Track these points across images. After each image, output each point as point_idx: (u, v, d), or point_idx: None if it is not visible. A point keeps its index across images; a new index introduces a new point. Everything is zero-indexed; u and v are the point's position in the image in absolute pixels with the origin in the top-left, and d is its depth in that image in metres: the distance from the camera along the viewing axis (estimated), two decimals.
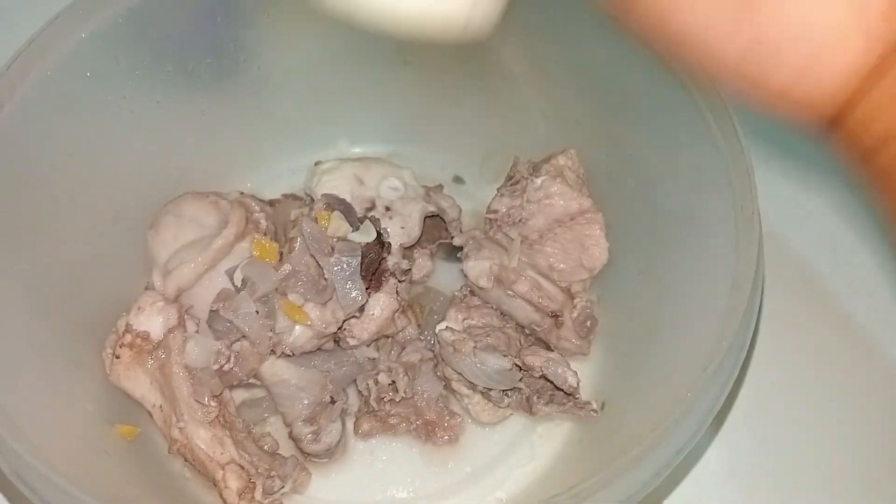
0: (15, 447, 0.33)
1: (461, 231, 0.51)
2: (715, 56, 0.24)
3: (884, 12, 0.21)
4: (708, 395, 0.33)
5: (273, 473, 0.43)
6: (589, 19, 0.45)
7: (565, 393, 0.43)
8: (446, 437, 0.46)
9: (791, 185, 0.56)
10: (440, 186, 0.54)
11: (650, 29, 0.26)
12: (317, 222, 0.46)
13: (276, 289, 0.45)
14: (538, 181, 0.47)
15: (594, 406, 0.44)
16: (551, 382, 0.43)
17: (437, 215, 0.51)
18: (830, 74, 0.22)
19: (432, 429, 0.46)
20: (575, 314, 0.45)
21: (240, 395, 0.48)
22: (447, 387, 0.47)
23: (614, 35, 0.44)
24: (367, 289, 0.45)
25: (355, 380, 0.47)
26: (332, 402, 0.46)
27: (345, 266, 0.45)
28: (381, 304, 0.46)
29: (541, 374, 0.43)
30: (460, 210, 0.52)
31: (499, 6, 0.30)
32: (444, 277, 0.52)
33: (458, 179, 0.58)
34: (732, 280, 0.36)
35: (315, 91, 0.54)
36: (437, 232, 0.52)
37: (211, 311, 0.45)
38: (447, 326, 0.46)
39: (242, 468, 0.43)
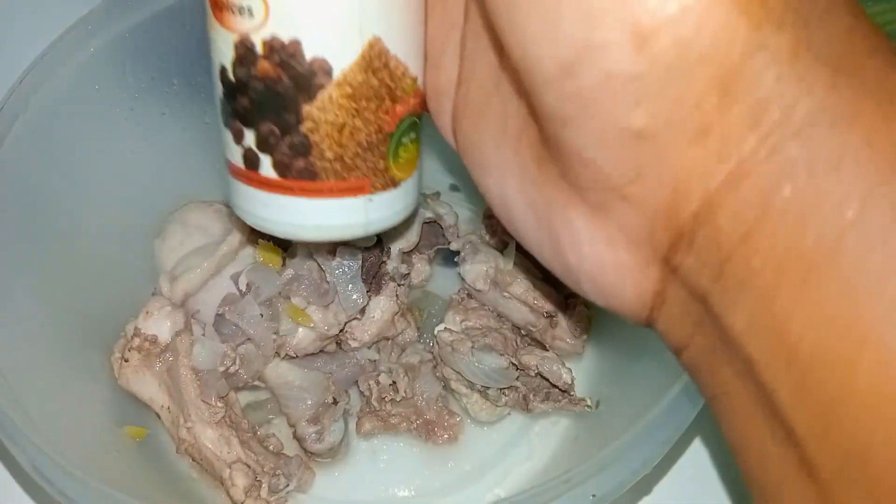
0: (35, 441, 0.35)
1: (458, 236, 0.53)
2: (545, 264, 0.28)
3: (654, 245, 0.24)
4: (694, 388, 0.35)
5: (278, 472, 0.45)
6: None
7: (560, 390, 0.44)
8: (446, 436, 0.48)
9: None
10: (437, 194, 0.56)
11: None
12: None
13: (280, 292, 0.46)
14: None
15: (588, 402, 0.45)
16: (547, 380, 0.44)
17: (435, 221, 0.53)
18: (626, 302, 0.26)
19: (432, 428, 0.48)
20: (569, 315, 0.47)
21: (245, 398, 0.49)
22: (446, 387, 0.48)
23: None
24: (367, 291, 0.47)
25: (357, 381, 0.49)
26: (335, 402, 0.47)
27: (346, 269, 0.46)
28: (381, 307, 0.47)
29: (537, 371, 0.45)
30: (457, 216, 0.54)
31: (398, 201, 0.34)
32: (442, 282, 0.54)
33: (454, 188, 0.59)
34: None
35: None
36: (434, 237, 0.54)
37: (217, 314, 0.46)
38: (445, 328, 0.47)
39: (248, 467, 0.44)
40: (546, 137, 0.25)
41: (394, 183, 0.33)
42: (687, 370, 0.27)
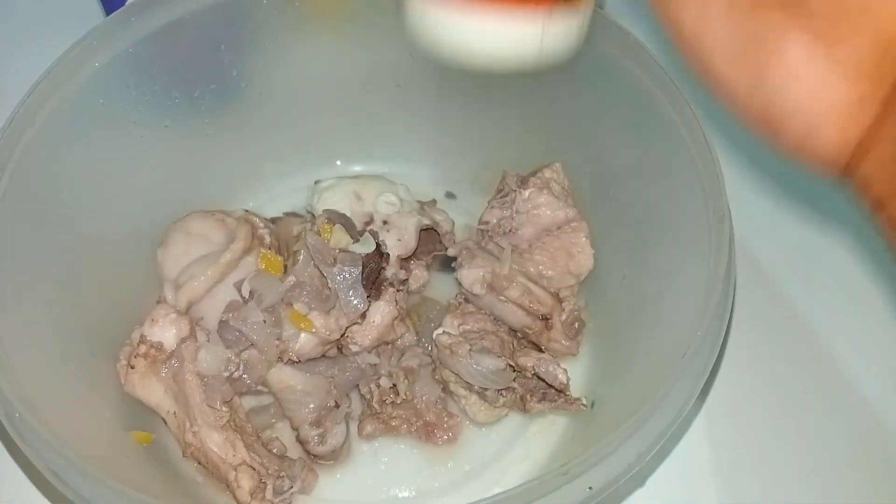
0: (52, 442, 0.36)
1: (454, 242, 0.54)
2: (736, 104, 0.27)
3: (873, 78, 0.23)
4: (686, 379, 0.36)
5: (282, 474, 0.46)
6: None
7: (556, 390, 0.46)
8: (445, 437, 0.49)
9: (761, 198, 0.59)
10: (434, 201, 0.57)
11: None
12: (320, 235, 0.49)
13: (282, 299, 0.47)
14: (526, 193, 0.50)
15: (584, 401, 0.46)
16: (543, 380, 0.46)
17: (432, 228, 0.54)
18: (829, 143, 0.24)
19: (432, 429, 0.49)
20: (563, 317, 0.48)
21: (248, 403, 0.50)
22: (445, 389, 0.49)
23: (593, 54, 0.48)
24: (367, 297, 0.48)
25: (358, 384, 0.50)
26: (337, 405, 0.48)
27: (347, 275, 0.47)
28: (381, 312, 0.49)
29: (533, 373, 0.46)
30: (453, 223, 0.55)
31: (571, 34, 0.32)
32: (440, 287, 0.55)
33: (450, 195, 0.61)
34: (706, 280, 0.39)
35: (313, 114, 0.57)
36: (431, 244, 0.55)
37: (221, 321, 0.47)
38: (444, 331, 0.48)
39: (254, 469, 0.45)
40: None
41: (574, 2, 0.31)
42: (886, 230, 0.24)
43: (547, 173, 0.51)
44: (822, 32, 0.23)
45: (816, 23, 0.23)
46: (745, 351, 0.52)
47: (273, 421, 0.50)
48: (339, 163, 0.60)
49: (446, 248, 0.54)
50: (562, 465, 0.34)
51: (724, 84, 0.27)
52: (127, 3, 0.53)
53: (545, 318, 0.48)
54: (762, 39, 0.25)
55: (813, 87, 0.24)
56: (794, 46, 0.24)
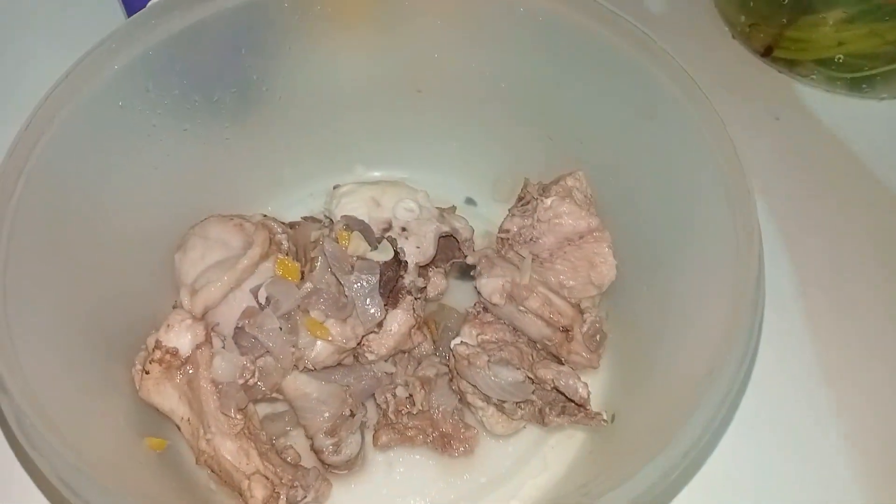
0: (62, 451, 0.35)
1: (474, 250, 0.53)
2: None
3: None
4: (711, 399, 0.35)
5: (296, 483, 0.45)
6: (599, 48, 0.48)
7: (576, 404, 0.45)
8: (462, 449, 0.48)
9: (791, 206, 0.58)
10: (453, 208, 0.56)
11: None
12: (337, 242, 0.48)
13: (299, 306, 0.47)
14: (548, 201, 0.49)
15: (604, 416, 0.45)
16: (563, 394, 0.45)
17: (451, 235, 0.53)
18: None
19: (448, 441, 0.48)
20: (585, 329, 0.47)
21: (263, 410, 0.50)
22: (462, 400, 0.48)
23: (620, 62, 0.48)
24: (384, 305, 0.47)
25: (374, 393, 0.49)
26: (352, 415, 0.47)
27: (364, 283, 0.47)
28: (398, 320, 0.48)
29: (552, 386, 0.45)
30: (473, 230, 0.54)
31: None
32: (458, 295, 0.54)
33: (469, 201, 0.60)
34: (734, 293, 0.37)
35: (333, 118, 0.57)
36: (450, 251, 0.54)
37: (236, 327, 0.47)
38: (462, 341, 0.48)
39: (267, 478, 0.44)
40: None
41: None
42: None
43: (569, 181, 0.50)
44: None
45: None
46: (773, 367, 0.50)
47: (288, 429, 0.49)
48: (358, 168, 0.60)
49: (465, 256, 0.53)
50: (581, 485, 0.33)
51: None
52: (148, 6, 0.53)
53: (566, 330, 0.47)
54: None
55: None
56: None
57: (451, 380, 0.49)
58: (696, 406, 0.34)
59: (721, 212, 0.41)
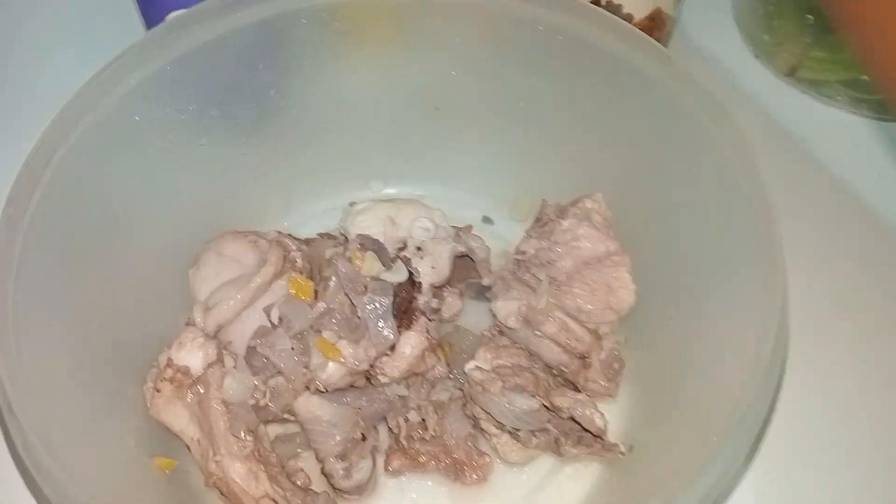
0: (61, 478, 0.35)
1: (490, 271, 0.52)
2: None
3: None
4: (734, 440, 0.34)
5: None
6: (620, 68, 0.47)
7: (593, 434, 0.44)
8: (475, 476, 0.47)
9: (816, 231, 0.57)
10: (469, 227, 0.55)
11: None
12: (351, 262, 0.47)
13: (311, 326, 0.46)
14: (565, 223, 0.48)
15: (622, 448, 0.44)
16: (579, 424, 0.44)
17: (467, 255, 0.53)
18: None
19: (461, 467, 0.47)
20: (602, 356, 0.46)
21: (274, 431, 0.49)
22: (476, 426, 0.48)
23: (642, 83, 0.47)
24: (398, 327, 0.47)
25: (386, 417, 0.48)
26: (364, 438, 0.47)
27: (377, 305, 0.46)
28: (411, 343, 0.47)
29: (569, 415, 0.44)
30: (489, 250, 0.53)
31: None
32: (474, 317, 0.53)
33: (487, 220, 0.59)
34: (758, 325, 0.36)
35: (349, 134, 0.56)
36: (466, 272, 0.54)
37: (248, 347, 0.46)
38: (476, 366, 0.47)
39: (276, 502, 0.44)
40: None
41: None
42: None
43: (588, 203, 0.49)
44: None
45: None
46: (799, 396, 0.49)
47: (299, 451, 0.49)
48: (375, 184, 0.59)
49: (481, 277, 0.52)
50: None
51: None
52: (167, 19, 0.52)
53: (583, 357, 0.46)
54: None
55: None
56: None
57: (464, 405, 0.48)
58: (721, 444, 0.33)
59: (746, 239, 0.40)
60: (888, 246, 0.58)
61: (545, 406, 0.44)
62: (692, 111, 0.44)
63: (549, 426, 0.45)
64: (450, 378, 0.50)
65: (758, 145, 0.42)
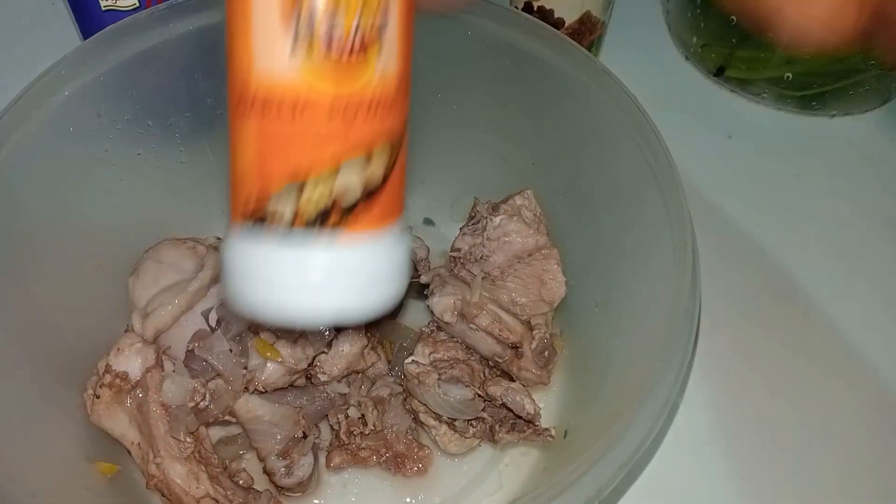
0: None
1: (429, 269, 0.54)
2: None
3: None
4: (646, 411, 0.35)
5: None
6: (546, 71, 0.49)
7: (525, 420, 0.45)
8: (416, 469, 0.48)
9: (744, 220, 0.59)
10: (409, 228, 0.57)
11: None
12: None
13: (249, 328, 0.47)
14: (497, 220, 0.50)
15: (552, 432, 0.45)
16: (511, 410, 0.45)
17: None
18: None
19: (402, 461, 0.48)
20: (534, 345, 0.48)
21: (217, 433, 0.50)
22: (416, 419, 0.49)
23: (566, 83, 0.48)
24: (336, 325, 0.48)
25: (327, 415, 0.49)
26: (305, 436, 0.47)
27: None
28: (349, 341, 0.48)
29: (501, 402, 0.45)
30: (428, 250, 0.55)
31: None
32: (415, 314, 0.55)
33: (428, 221, 0.60)
34: (670, 308, 0.38)
35: None
36: None
37: (187, 350, 0.47)
38: (413, 360, 0.48)
39: (217, 501, 0.44)
40: None
41: None
42: None
43: (518, 200, 0.51)
44: None
45: None
46: (708, 382, 0.51)
47: (242, 452, 0.49)
48: None
49: (420, 275, 0.53)
50: (518, 497, 0.33)
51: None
52: (103, 31, 0.53)
53: (515, 347, 0.48)
54: None
55: None
56: None
57: (405, 400, 0.49)
58: (628, 424, 0.35)
59: (660, 227, 0.41)
60: (813, 234, 0.61)
61: (479, 395, 0.46)
62: (610, 110, 0.46)
63: (485, 414, 0.46)
64: (391, 375, 0.51)
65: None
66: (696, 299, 0.38)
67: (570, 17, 0.63)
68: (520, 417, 0.45)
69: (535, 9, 0.63)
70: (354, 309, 0.31)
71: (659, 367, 0.36)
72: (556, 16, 0.63)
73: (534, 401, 0.45)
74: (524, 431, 0.45)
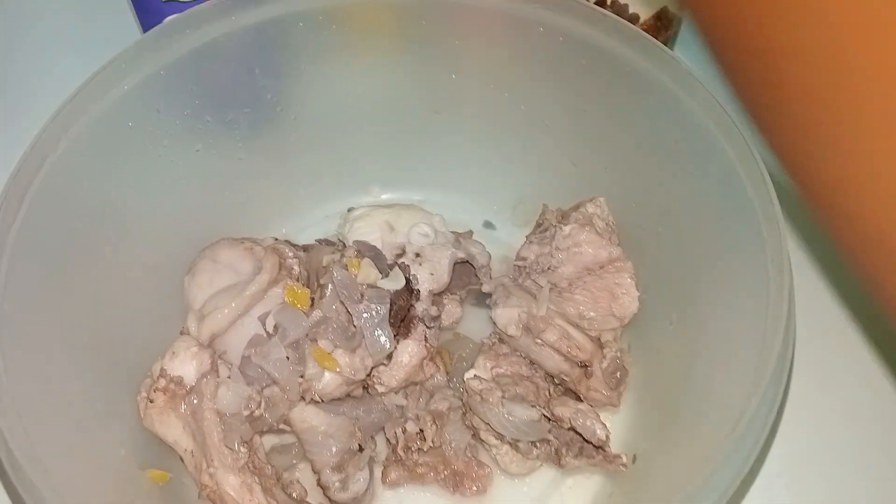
0: (47, 495, 0.34)
1: (491, 277, 0.51)
2: None
3: None
4: (737, 454, 0.32)
5: None
6: (623, 70, 0.46)
7: (594, 445, 0.42)
8: (475, 488, 0.46)
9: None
10: (470, 232, 0.54)
11: None
12: (347, 269, 0.47)
13: (307, 335, 0.45)
14: (567, 229, 0.47)
15: (624, 460, 0.43)
16: (580, 434, 0.42)
17: (467, 261, 0.52)
18: None
19: (461, 479, 0.46)
20: (605, 364, 0.45)
21: (270, 441, 0.48)
22: (475, 436, 0.46)
23: (645, 85, 0.46)
24: (395, 335, 0.46)
25: (384, 427, 0.47)
26: (360, 449, 0.46)
27: (374, 313, 0.45)
28: (409, 352, 0.46)
29: (570, 425, 0.43)
30: (490, 256, 0.52)
31: None
32: (474, 324, 0.52)
33: (488, 225, 0.58)
34: (763, 335, 0.35)
35: (348, 139, 0.55)
36: (466, 278, 0.53)
37: (243, 356, 0.46)
38: (475, 375, 0.46)
39: None
40: None
41: None
42: None
43: (590, 208, 0.48)
44: None
45: None
46: (804, 410, 0.48)
47: (295, 462, 0.48)
48: (374, 189, 0.58)
49: (482, 283, 0.51)
50: None
51: None
52: (163, 23, 0.52)
53: (584, 365, 0.45)
54: None
55: None
56: None
57: (464, 414, 0.47)
58: (724, 456, 0.32)
59: (751, 246, 0.38)
60: None
61: (545, 416, 0.43)
62: (695, 115, 0.43)
63: (550, 437, 0.44)
64: (449, 387, 0.49)
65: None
66: (791, 332, 0.35)
67: (645, 13, 0.60)
68: (589, 442, 0.42)
69: (609, 3, 0.59)
70: None
71: (753, 403, 0.33)
72: (630, 11, 0.60)
73: (605, 425, 0.43)
74: (593, 457, 0.43)
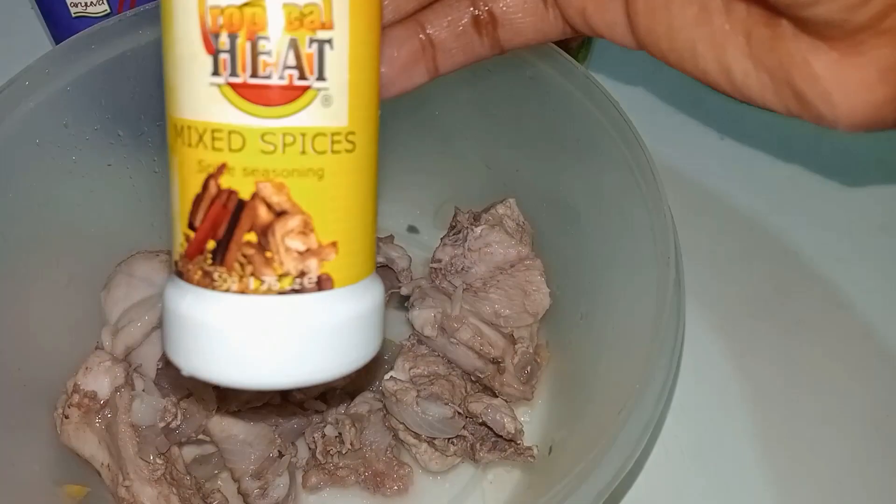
0: None
1: (412, 280, 0.52)
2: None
3: None
4: (627, 436, 0.34)
5: None
6: (526, 70, 0.47)
7: (505, 439, 0.43)
8: (396, 487, 0.47)
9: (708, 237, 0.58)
10: (391, 237, 0.55)
11: None
12: None
13: None
14: (478, 230, 0.48)
15: (534, 452, 0.44)
16: (491, 429, 0.43)
17: (387, 266, 0.52)
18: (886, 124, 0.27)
19: (381, 479, 0.47)
20: (516, 360, 0.46)
21: (192, 451, 0.48)
22: (396, 437, 0.47)
23: (545, 87, 0.47)
24: None
25: (304, 433, 0.47)
26: (280, 455, 0.46)
27: None
28: None
29: (482, 420, 0.44)
30: (410, 259, 0.53)
31: None
32: (398, 327, 0.53)
33: (412, 229, 0.59)
34: (655, 325, 0.36)
35: None
36: (388, 282, 0.53)
37: (158, 368, 0.46)
38: (391, 377, 0.46)
39: None
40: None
41: None
42: None
43: (500, 209, 0.49)
44: (846, 50, 0.25)
45: (840, 44, 0.25)
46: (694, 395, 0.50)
47: (216, 472, 0.48)
48: None
49: (401, 287, 0.51)
50: None
51: (772, 108, 0.28)
52: (70, 39, 0.51)
53: (497, 362, 0.46)
54: (788, 69, 0.27)
55: (854, 97, 0.26)
56: (822, 69, 0.26)
57: (385, 416, 0.47)
58: (611, 444, 0.33)
59: (644, 239, 0.40)
60: (807, 239, 0.59)
61: (460, 413, 0.44)
62: (595, 119, 0.44)
63: (465, 433, 0.45)
64: (371, 390, 0.49)
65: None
66: (679, 315, 0.36)
67: None
68: (500, 436, 0.43)
69: None
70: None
71: (641, 383, 0.34)
72: None
73: (516, 418, 0.44)
74: (505, 451, 0.43)
